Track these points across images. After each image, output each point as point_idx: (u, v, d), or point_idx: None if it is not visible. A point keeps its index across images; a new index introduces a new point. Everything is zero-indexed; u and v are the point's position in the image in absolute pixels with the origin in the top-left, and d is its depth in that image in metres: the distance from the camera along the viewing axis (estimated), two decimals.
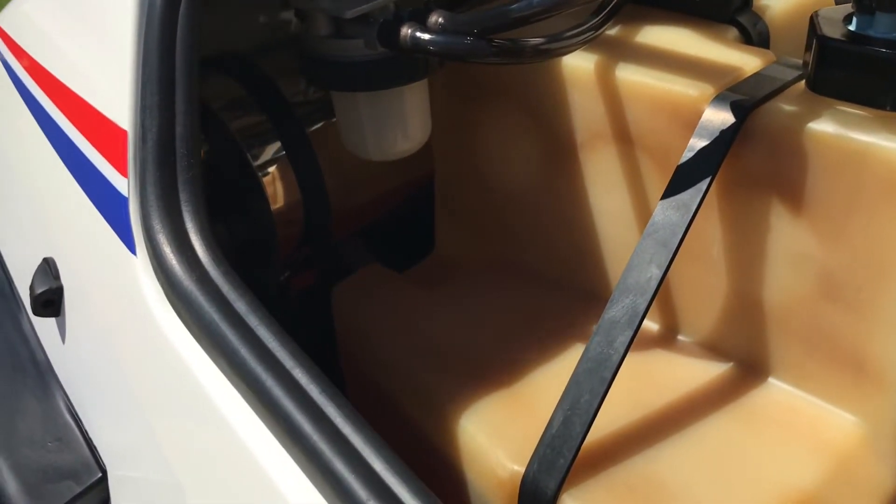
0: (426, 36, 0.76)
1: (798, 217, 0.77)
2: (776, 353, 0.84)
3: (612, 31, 0.91)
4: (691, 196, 0.76)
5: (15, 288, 1.22)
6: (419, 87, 0.90)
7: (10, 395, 1.10)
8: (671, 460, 0.78)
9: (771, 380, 0.85)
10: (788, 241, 0.78)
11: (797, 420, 0.82)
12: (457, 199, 1.07)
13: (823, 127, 0.73)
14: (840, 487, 0.78)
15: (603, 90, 0.86)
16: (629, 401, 0.82)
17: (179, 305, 0.66)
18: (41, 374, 1.11)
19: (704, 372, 0.87)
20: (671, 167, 0.79)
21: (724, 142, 0.76)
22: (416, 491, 0.53)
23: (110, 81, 0.77)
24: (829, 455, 0.78)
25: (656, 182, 0.85)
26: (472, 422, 0.83)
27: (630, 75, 0.84)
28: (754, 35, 0.93)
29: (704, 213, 0.78)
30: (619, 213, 0.90)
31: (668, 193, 0.77)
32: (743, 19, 0.92)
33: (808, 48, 0.77)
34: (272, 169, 1.06)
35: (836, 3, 0.99)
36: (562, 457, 0.73)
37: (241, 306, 0.63)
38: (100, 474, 0.98)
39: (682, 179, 0.77)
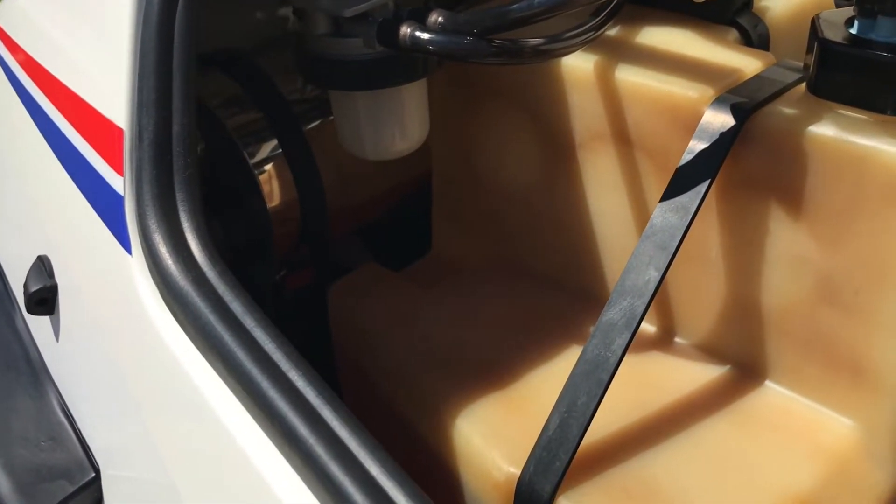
0: (425, 35, 0.75)
1: (797, 220, 0.77)
2: (773, 357, 0.84)
3: (612, 32, 0.91)
4: (690, 198, 0.76)
5: (9, 286, 1.21)
6: (418, 87, 0.89)
7: (4, 394, 1.10)
8: (668, 463, 0.78)
9: (768, 383, 0.85)
10: (787, 244, 0.78)
11: (794, 423, 0.81)
12: (454, 199, 1.07)
13: (824, 130, 0.73)
14: (836, 491, 0.78)
15: (602, 91, 0.86)
16: (626, 403, 0.81)
17: (175, 306, 0.66)
18: (35, 373, 1.11)
19: (702, 375, 0.86)
20: (670, 169, 0.78)
21: (723, 144, 0.76)
22: (411, 494, 0.53)
23: (107, 79, 0.77)
24: (826, 459, 0.78)
25: (655, 184, 0.85)
26: (468, 423, 0.82)
27: (630, 76, 0.84)
28: (754, 37, 0.92)
29: (703, 216, 0.78)
30: (617, 215, 0.90)
31: (667, 196, 0.77)
32: (743, 21, 0.92)
33: (809, 51, 0.76)
34: (269, 167, 1.06)
35: (837, 6, 0.99)
36: (558, 459, 0.72)
37: (237, 307, 0.63)
38: (93, 474, 0.98)
39: (681, 182, 0.77)
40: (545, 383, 0.84)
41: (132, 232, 0.71)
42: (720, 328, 0.86)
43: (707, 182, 0.76)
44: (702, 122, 0.78)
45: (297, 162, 1.05)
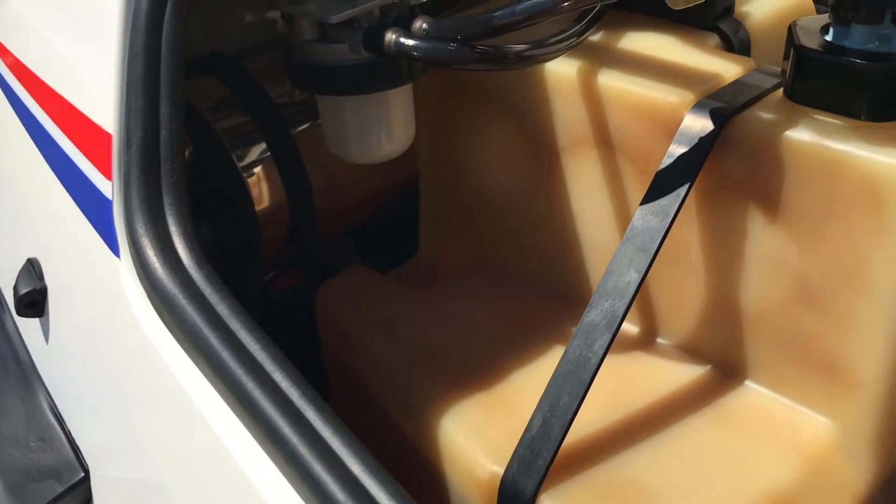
0: (410, 42, 0.76)
1: (774, 223, 0.78)
2: (752, 357, 0.85)
3: (595, 38, 0.92)
4: (670, 202, 0.77)
5: None
6: (403, 92, 0.91)
7: None
8: (649, 461, 0.80)
9: (747, 383, 0.86)
10: (765, 246, 0.80)
11: (772, 422, 0.83)
12: (441, 202, 1.08)
13: (800, 135, 0.74)
14: (813, 489, 0.79)
15: (585, 96, 0.87)
16: (608, 403, 0.83)
17: (162, 308, 0.66)
18: (24, 374, 1.11)
19: (682, 374, 0.88)
20: (651, 172, 0.80)
21: (702, 148, 0.78)
22: (393, 493, 0.54)
23: (96, 84, 0.77)
24: (803, 457, 0.80)
25: (637, 187, 0.86)
26: (452, 422, 0.83)
27: (612, 81, 0.85)
28: (735, 42, 0.94)
29: (683, 219, 0.79)
30: (600, 217, 0.91)
31: (647, 199, 0.78)
32: (724, 26, 0.93)
33: (786, 57, 0.78)
34: (257, 170, 1.07)
35: (817, 12, 1.00)
36: (541, 458, 0.73)
37: (223, 309, 0.64)
38: (82, 474, 0.98)
39: (661, 185, 0.78)
40: (529, 383, 0.86)
41: (120, 235, 0.72)
42: (701, 329, 0.88)
43: (687, 185, 0.77)
44: (682, 126, 0.79)
45: (285, 165, 1.06)
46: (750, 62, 0.87)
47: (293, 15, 0.85)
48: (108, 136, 0.73)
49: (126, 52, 0.71)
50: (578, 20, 0.82)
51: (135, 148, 0.70)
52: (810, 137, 0.74)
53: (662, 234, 0.76)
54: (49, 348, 1.03)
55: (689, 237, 0.84)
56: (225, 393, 0.61)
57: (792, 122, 0.75)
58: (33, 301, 0.97)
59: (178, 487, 0.74)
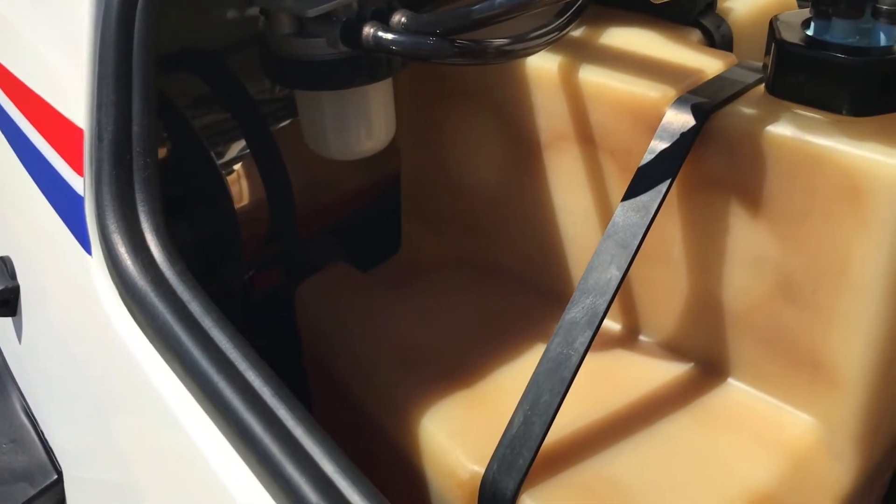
0: (389, 36, 0.75)
1: (756, 219, 0.78)
2: (735, 354, 0.85)
3: (577, 33, 0.92)
4: (651, 198, 0.76)
5: None
6: (383, 87, 0.89)
7: None
8: (630, 460, 0.79)
9: (730, 380, 0.86)
10: (747, 242, 0.79)
11: (755, 420, 0.82)
12: (423, 199, 1.07)
13: (781, 130, 0.74)
14: (796, 486, 0.79)
15: (566, 91, 0.86)
16: (589, 401, 0.82)
17: (134, 306, 0.65)
18: None
19: (665, 372, 0.87)
20: (633, 168, 0.79)
21: (684, 144, 0.77)
22: (366, 493, 0.53)
23: (67, 78, 0.76)
24: (786, 455, 0.79)
25: (619, 183, 0.85)
26: (432, 421, 0.83)
27: (593, 77, 0.85)
28: (717, 37, 0.93)
29: (665, 215, 0.79)
30: (582, 213, 0.91)
31: (628, 195, 0.78)
32: (706, 21, 0.93)
33: (767, 52, 0.77)
34: (236, 167, 1.05)
35: (799, 7, 1.00)
36: (521, 457, 0.73)
37: (195, 307, 0.62)
38: (55, 476, 0.97)
39: (642, 181, 0.77)
40: (510, 381, 0.85)
41: (92, 232, 0.70)
42: (683, 326, 0.87)
43: (668, 181, 0.76)
44: (663, 122, 0.78)
45: (264, 162, 1.04)
46: (732, 57, 0.86)
47: (270, 9, 0.84)
48: (80, 131, 0.72)
49: (97, 45, 0.70)
50: (560, 15, 0.81)
51: (106, 143, 0.68)
52: (792, 132, 0.74)
53: (644, 230, 0.76)
54: (22, 348, 1.02)
55: (671, 233, 0.83)
56: (197, 392, 0.60)
57: (773, 117, 0.75)
58: (5, 300, 0.96)
59: (151, 488, 0.73)
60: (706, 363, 0.87)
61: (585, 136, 0.87)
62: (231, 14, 1.11)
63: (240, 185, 1.05)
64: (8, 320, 1.03)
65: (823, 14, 0.73)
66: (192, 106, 1.04)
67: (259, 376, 0.58)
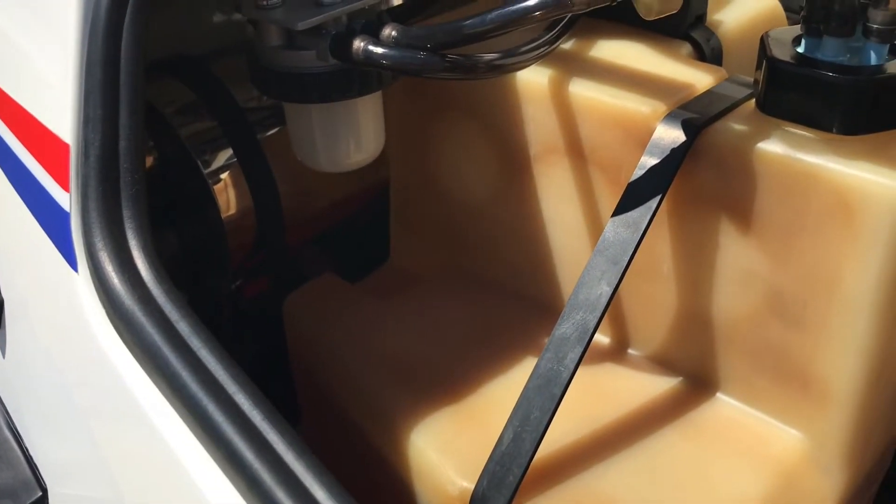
0: (379, 49, 0.75)
1: (746, 235, 0.78)
2: (724, 369, 0.85)
3: (567, 46, 0.91)
4: (641, 214, 0.76)
5: None
6: (372, 99, 0.89)
7: None
8: (620, 475, 0.79)
9: (719, 395, 0.86)
10: (737, 258, 0.79)
11: (744, 435, 0.83)
12: (412, 210, 1.07)
13: (771, 147, 0.74)
14: (785, 501, 0.79)
15: (557, 105, 0.86)
16: (579, 416, 0.82)
17: (121, 325, 0.64)
18: None
19: (654, 387, 0.87)
20: (623, 183, 0.79)
21: (674, 160, 0.77)
22: None
23: (53, 93, 0.75)
24: (775, 469, 0.80)
25: (609, 197, 0.85)
26: (422, 437, 0.82)
27: (583, 91, 0.85)
28: (707, 51, 0.93)
29: (655, 231, 0.79)
30: (572, 227, 0.91)
31: (618, 211, 0.77)
32: (697, 35, 0.93)
33: (758, 67, 0.77)
34: (224, 175, 1.04)
35: (789, 21, 1.00)
36: (511, 474, 0.72)
37: (183, 327, 0.62)
38: (40, 493, 0.96)
39: (632, 197, 0.77)
40: (500, 396, 0.85)
41: (78, 249, 0.69)
42: (673, 340, 0.87)
43: (658, 197, 0.76)
44: (653, 137, 0.78)
45: (252, 170, 1.04)
46: (722, 72, 0.87)
47: (260, 21, 0.83)
48: (66, 146, 0.71)
49: (84, 59, 0.69)
50: (550, 28, 0.81)
51: (93, 159, 0.67)
52: (782, 150, 0.74)
53: (634, 246, 0.75)
54: (6, 363, 1.01)
55: (661, 249, 0.83)
56: (186, 416, 0.59)
57: (764, 134, 0.75)
58: None
59: None
60: (696, 378, 0.87)
61: (575, 150, 0.86)
62: (219, 21, 1.10)
63: (227, 194, 1.04)
64: None
65: (814, 32, 0.73)
66: (178, 113, 1.04)
67: (249, 399, 0.57)
